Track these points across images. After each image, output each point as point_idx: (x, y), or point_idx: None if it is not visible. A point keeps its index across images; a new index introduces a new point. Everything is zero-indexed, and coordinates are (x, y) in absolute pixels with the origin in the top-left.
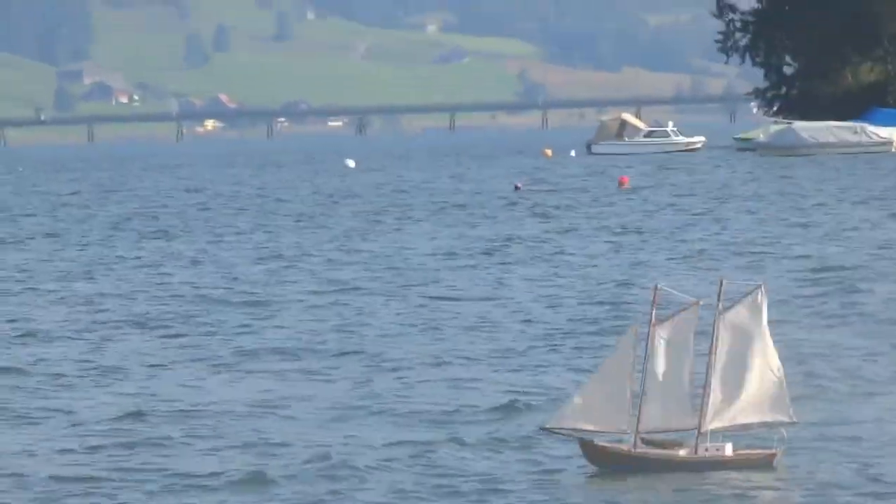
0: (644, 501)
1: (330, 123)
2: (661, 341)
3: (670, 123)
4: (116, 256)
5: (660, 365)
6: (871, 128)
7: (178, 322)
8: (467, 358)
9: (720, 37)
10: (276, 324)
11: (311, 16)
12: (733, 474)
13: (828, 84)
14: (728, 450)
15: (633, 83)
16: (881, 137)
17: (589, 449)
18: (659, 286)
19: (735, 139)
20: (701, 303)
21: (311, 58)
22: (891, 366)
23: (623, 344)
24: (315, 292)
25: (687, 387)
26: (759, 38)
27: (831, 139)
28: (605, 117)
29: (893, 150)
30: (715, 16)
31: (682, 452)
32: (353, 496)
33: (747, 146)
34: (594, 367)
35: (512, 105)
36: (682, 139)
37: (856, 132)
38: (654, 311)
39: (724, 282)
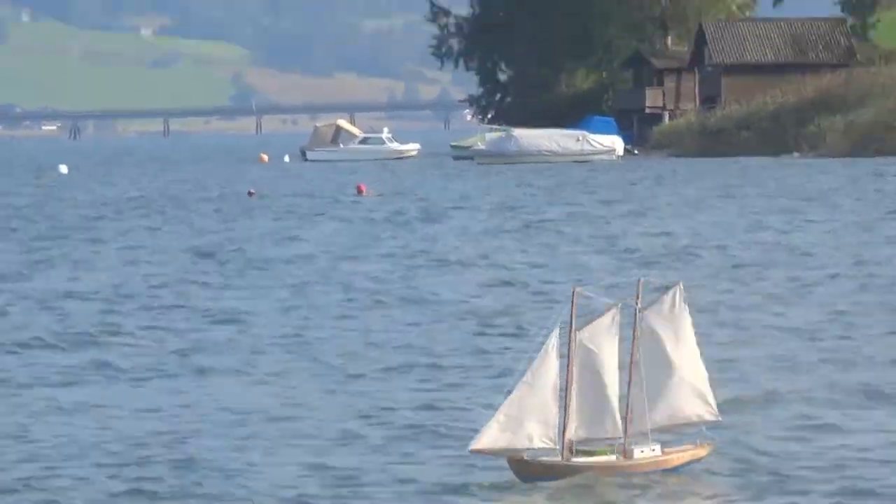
0: None
1: (44, 127)
2: (583, 347)
3: (385, 130)
4: None
5: (583, 372)
6: (592, 136)
7: None
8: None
9: (434, 42)
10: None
11: (25, 18)
12: (666, 474)
13: (543, 91)
14: (658, 450)
15: (347, 89)
16: (604, 146)
17: (518, 465)
18: (577, 289)
19: (451, 146)
20: (620, 305)
21: (25, 61)
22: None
23: (543, 353)
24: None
25: (613, 392)
26: (473, 44)
27: (554, 147)
28: (319, 123)
29: (615, 157)
30: (429, 20)
31: (612, 458)
32: None
33: (463, 154)
34: (515, 380)
35: (226, 110)
36: (396, 146)
37: (578, 140)
38: (573, 316)
39: (642, 282)
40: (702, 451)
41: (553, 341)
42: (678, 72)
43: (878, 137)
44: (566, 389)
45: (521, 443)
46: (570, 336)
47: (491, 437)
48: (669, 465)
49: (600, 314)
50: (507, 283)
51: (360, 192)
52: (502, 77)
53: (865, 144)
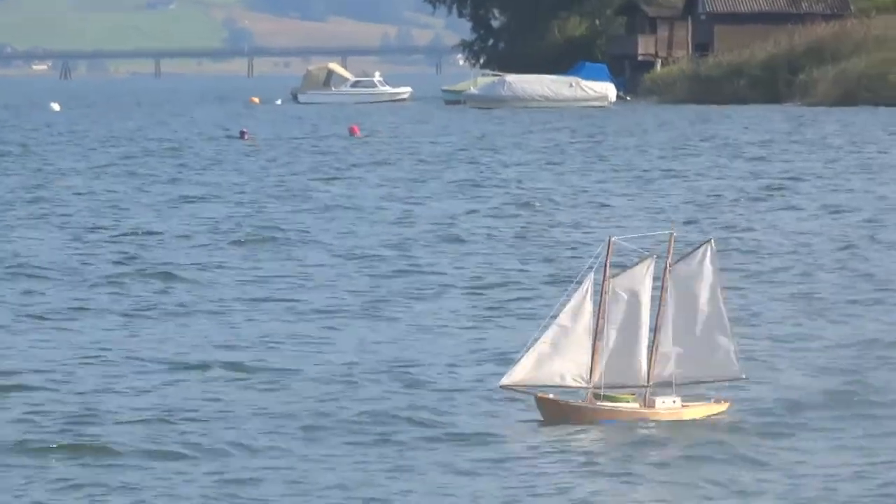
0: (601, 456)
1: (34, 67)
2: (616, 294)
3: (377, 74)
4: None
5: (614, 319)
6: (584, 82)
7: None
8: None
9: None
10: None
11: None
12: (685, 427)
13: (535, 38)
14: (678, 402)
15: (340, 33)
16: (596, 91)
17: (545, 405)
18: (613, 239)
19: (443, 90)
20: (655, 256)
21: (16, 1)
22: None
23: (578, 297)
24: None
25: (642, 342)
26: None
27: (546, 92)
28: (311, 66)
29: (607, 103)
30: None
31: (636, 406)
32: (312, 449)
33: (455, 98)
34: (547, 321)
35: (218, 52)
36: (388, 89)
37: (571, 86)
38: (608, 264)
39: (674, 235)
40: (719, 408)
41: (588, 285)
42: (671, 20)
43: (868, 87)
44: (596, 335)
45: (552, 380)
46: (603, 283)
47: (522, 372)
48: (688, 417)
49: (635, 264)
50: (547, 227)
51: (353, 133)
52: (495, 23)
53: (856, 94)
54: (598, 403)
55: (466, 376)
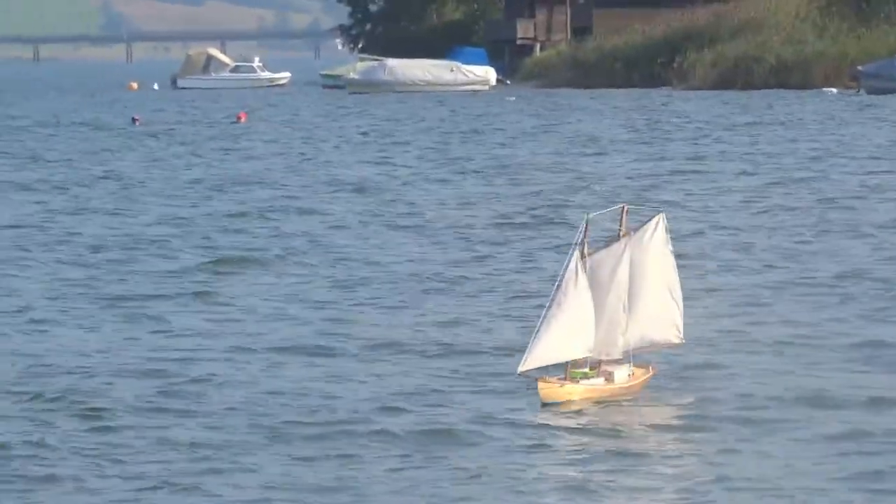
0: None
1: None
2: (594, 272)
3: (256, 59)
4: None
5: (595, 296)
6: (465, 66)
7: None
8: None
9: None
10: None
11: None
12: (637, 398)
13: (413, 22)
14: (631, 373)
15: (217, 17)
16: (477, 76)
17: (542, 388)
18: (590, 216)
19: (321, 75)
20: (631, 233)
21: None
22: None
23: (568, 274)
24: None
25: (617, 315)
26: None
27: (427, 77)
28: (191, 51)
29: (488, 87)
30: None
31: (601, 380)
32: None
33: (334, 83)
34: (546, 302)
35: (96, 37)
36: (267, 74)
37: (452, 70)
38: (585, 243)
39: (626, 209)
40: (651, 373)
41: (575, 263)
42: (550, 4)
43: (744, 70)
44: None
45: (564, 357)
46: (582, 261)
47: (537, 357)
48: (638, 388)
49: (610, 241)
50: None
51: (239, 120)
52: (373, 7)
53: (733, 77)
54: (582, 382)
55: (457, 358)
